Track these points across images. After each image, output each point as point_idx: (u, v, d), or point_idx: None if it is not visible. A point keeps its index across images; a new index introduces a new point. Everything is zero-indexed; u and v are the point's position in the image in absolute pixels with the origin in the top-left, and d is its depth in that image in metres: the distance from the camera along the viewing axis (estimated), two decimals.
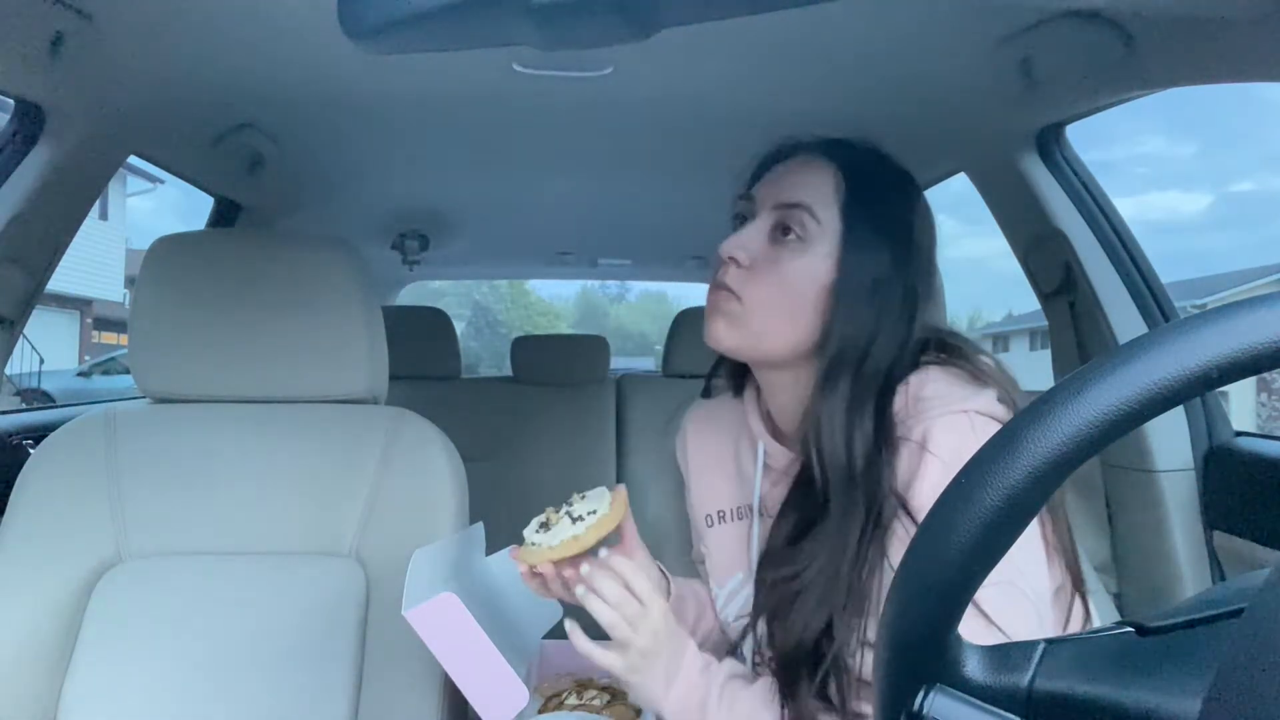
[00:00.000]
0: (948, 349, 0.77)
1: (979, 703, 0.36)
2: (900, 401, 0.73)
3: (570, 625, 0.75)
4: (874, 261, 0.75)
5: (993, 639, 0.61)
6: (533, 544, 0.76)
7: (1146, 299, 1.28)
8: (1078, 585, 0.75)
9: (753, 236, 0.79)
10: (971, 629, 0.62)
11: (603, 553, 0.76)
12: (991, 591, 0.63)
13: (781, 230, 0.78)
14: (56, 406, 2.15)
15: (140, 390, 1.08)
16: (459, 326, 2.62)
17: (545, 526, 0.78)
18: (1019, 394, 0.73)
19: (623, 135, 1.52)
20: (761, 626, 0.79)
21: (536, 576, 0.78)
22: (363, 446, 1.04)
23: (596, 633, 0.73)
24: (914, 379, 0.74)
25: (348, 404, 1.09)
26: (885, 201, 0.78)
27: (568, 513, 0.77)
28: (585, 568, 0.74)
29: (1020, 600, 0.65)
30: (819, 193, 0.78)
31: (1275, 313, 0.31)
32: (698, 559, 0.98)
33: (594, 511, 0.76)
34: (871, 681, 0.66)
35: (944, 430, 0.69)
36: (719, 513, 0.91)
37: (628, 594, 0.72)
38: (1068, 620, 0.74)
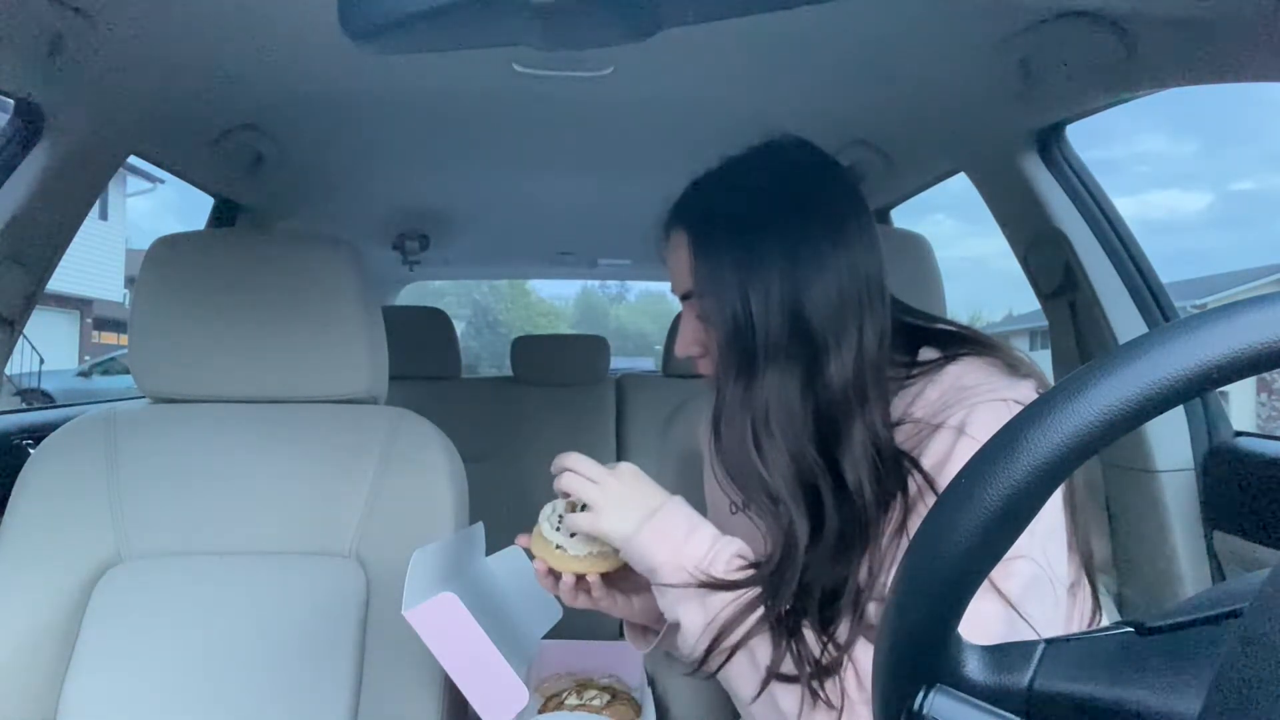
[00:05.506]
0: (982, 343, 0.78)
1: (979, 703, 0.36)
2: (937, 391, 0.73)
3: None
4: (730, 294, 0.75)
5: (1008, 619, 0.62)
6: (558, 546, 0.76)
7: (1146, 299, 1.28)
8: (1091, 579, 0.75)
9: (690, 331, 0.82)
10: (991, 610, 0.62)
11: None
12: (1016, 566, 0.64)
13: (701, 315, 0.80)
14: (56, 406, 2.15)
15: (140, 390, 1.08)
16: (459, 326, 2.62)
17: (563, 519, 0.77)
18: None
19: (623, 135, 1.52)
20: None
21: (551, 576, 0.78)
22: (363, 446, 1.04)
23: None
24: (953, 369, 0.74)
25: (348, 404, 1.09)
26: (725, 235, 0.76)
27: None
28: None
29: (1042, 579, 0.65)
30: (688, 273, 0.79)
31: (1275, 313, 0.31)
32: None
33: None
34: (862, 673, 0.66)
35: (983, 415, 0.69)
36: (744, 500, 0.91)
37: (592, 461, 0.77)
38: (1083, 615, 0.75)
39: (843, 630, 0.69)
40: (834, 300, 0.73)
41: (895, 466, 0.71)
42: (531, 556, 0.79)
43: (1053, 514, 0.70)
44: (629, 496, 0.74)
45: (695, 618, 0.71)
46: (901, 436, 0.74)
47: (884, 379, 0.75)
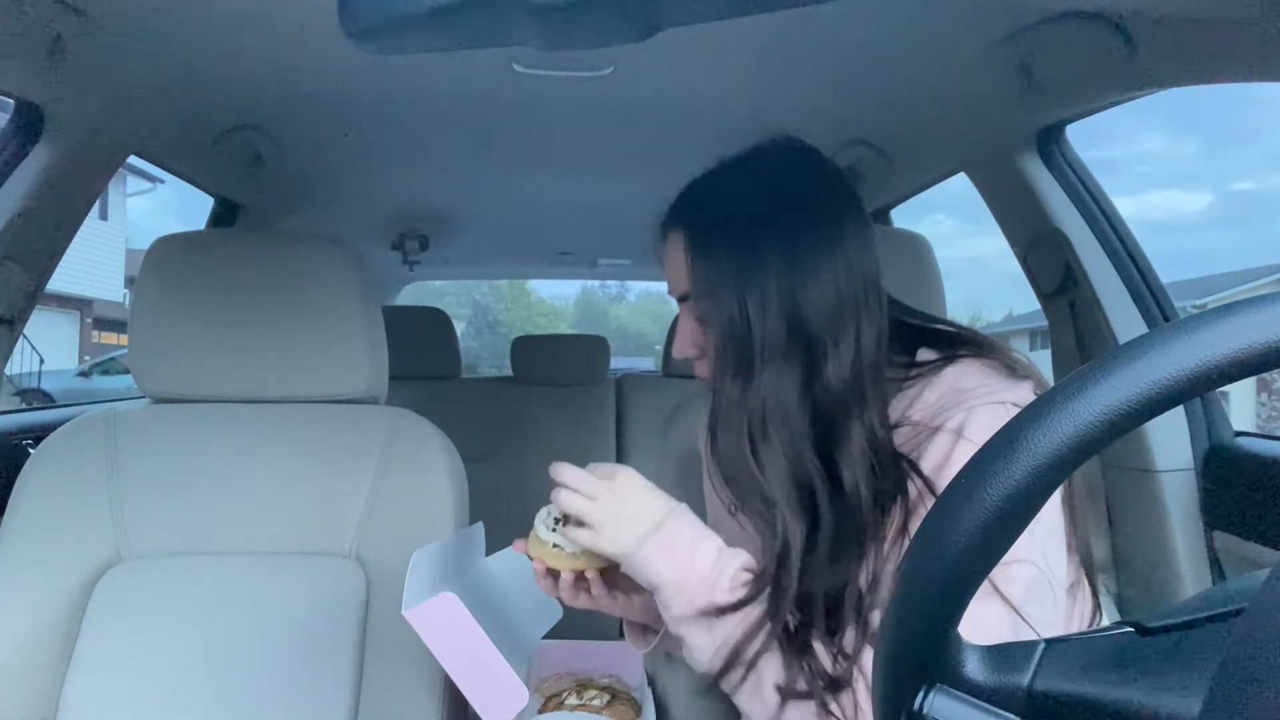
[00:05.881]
0: (980, 344, 0.77)
1: (979, 703, 0.36)
2: (935, 393, 0.73)
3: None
4: (727, 295, 0.74)
5: (1012, 622, 0.62)
6: (554, 545, 0.76)
7: (1146, 299, 1.28)
8: (1091, 579, 0.75)
9: (687, 333, 0.82)
10: (993, 613, 0.62)
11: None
12: (1018, 570, 0.64)
13: (698, 317, 0.79)
14: (56, 406, 2.15)
15: (140, 390, 1.08)
16: (459, 326, 2.62)
17: (559, 521, 0.77)
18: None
19: (623, 135, 1.52)
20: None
21: (549, 576, 0.78)
22: (363, 446, 1.04)
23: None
24: (951, 370, 0.74)
25: (348, 404, 1.09)
26: (722, 237, 0.76)
27: None
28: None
29: (1041, 581, 0.65)
30: (685, 275, 0.79)
31: (1275, 313, 0.31)
32: None
33: None
34: (870, 680, 0.66)
35: (981, 418, 0.68)
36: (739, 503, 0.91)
37: (588, 476, 0.74)
38: (1083, 616, 0.75)
39: (849, 639, 0.69)
40: (831, 301, 0.73)
41: (893, 468, 0.71)
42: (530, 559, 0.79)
43: (1052, 515, 0.69)
44: (627, 512, 0.73)
45: (702, 640, 0.70)
46: (900, 439, 0.73)
47: (882, 380, 0.75)
